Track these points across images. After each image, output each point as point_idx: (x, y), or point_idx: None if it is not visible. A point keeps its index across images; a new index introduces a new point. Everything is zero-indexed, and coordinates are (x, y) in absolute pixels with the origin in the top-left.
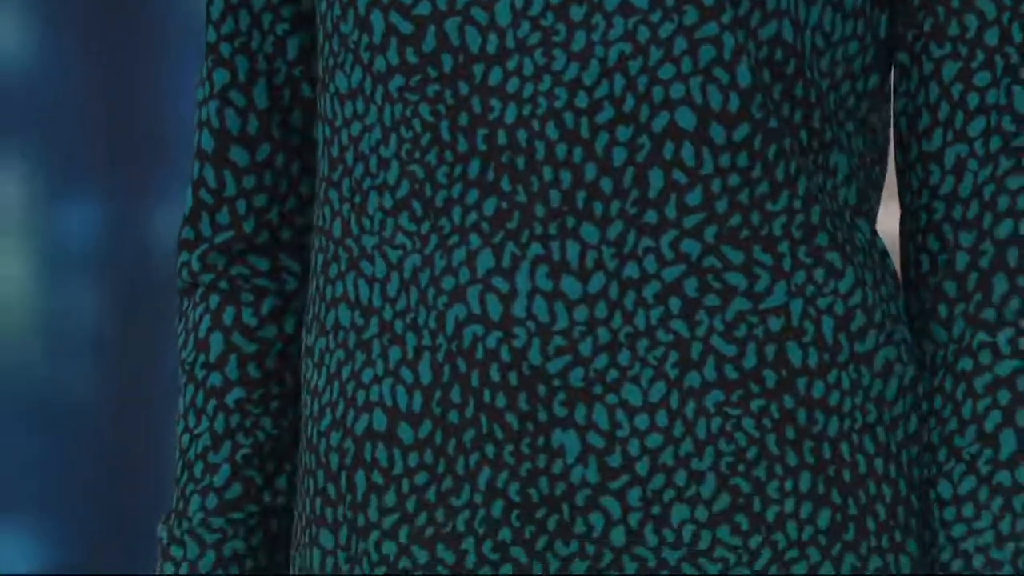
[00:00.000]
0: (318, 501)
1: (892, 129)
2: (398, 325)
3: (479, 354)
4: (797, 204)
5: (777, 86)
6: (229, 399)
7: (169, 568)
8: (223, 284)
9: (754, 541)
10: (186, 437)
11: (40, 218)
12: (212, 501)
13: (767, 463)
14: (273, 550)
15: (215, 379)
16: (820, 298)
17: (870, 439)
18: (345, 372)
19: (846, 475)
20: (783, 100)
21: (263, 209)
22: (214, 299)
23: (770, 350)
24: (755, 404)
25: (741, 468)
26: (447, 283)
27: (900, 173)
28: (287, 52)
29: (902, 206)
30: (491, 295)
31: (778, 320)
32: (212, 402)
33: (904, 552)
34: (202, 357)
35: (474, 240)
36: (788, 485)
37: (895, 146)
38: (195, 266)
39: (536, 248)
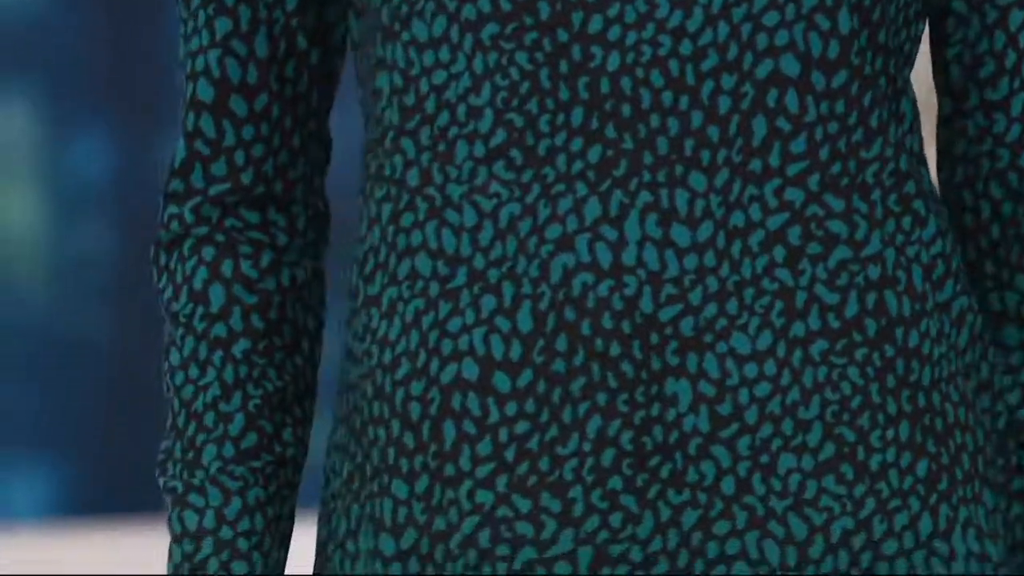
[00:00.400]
0: (391, 451)
1: (935, 76)
2: (492, 274)
3: (590, 302)
4: (888, 152)
5: (865, 32)
6: (236, 350)
7: (191, 516)
8: (219, 236)
9: (858, 490)
10: (189, 388)
11: (50, 159)
12: (229, 450)
13: (870, 412)
14: (283, 502)
15: (219, 330)
16: (908, 247)
17: (954, 388)
18: (425, 321)
19: (939, 424)
20: (870, 47)
21: (260, 160)
22: (209, 251)
23: (870, 298)
24: (859, 353)
25: (846, 417)
26: (552, 232)
27: (947, 121)
28: (286, 3)
29: (947, 155)
30: (600, 243)
31: (876, 268)
32: (218, 353)
33: (980, 503)
34: (201, 309)
35: (580, 188)
36: (889, 434)
37: (940, 94)
38: (188, 218)
39: (645, 196)
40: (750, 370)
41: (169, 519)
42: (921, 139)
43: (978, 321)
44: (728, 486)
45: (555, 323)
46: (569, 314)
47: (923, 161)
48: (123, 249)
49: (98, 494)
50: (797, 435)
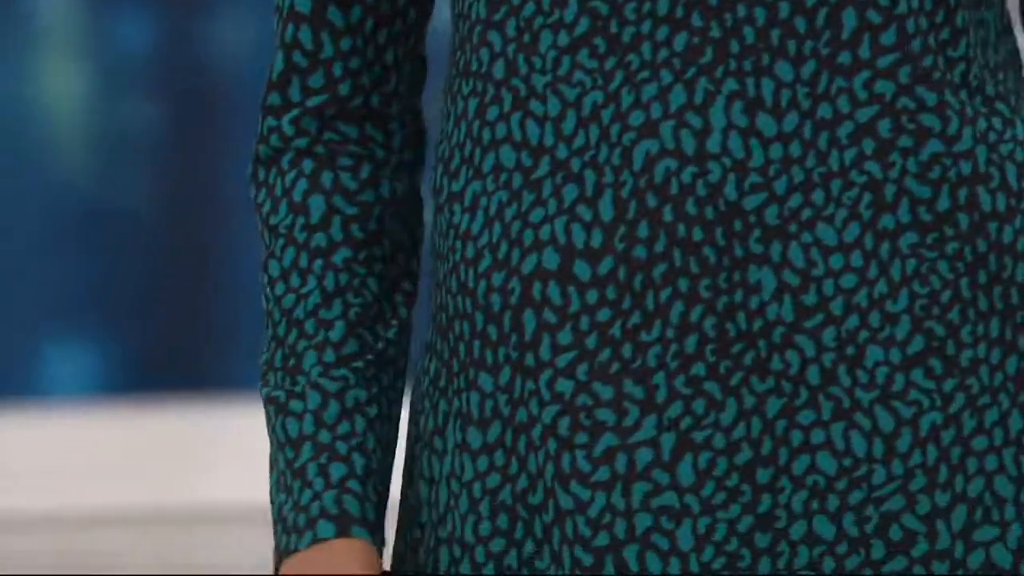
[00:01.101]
0: (476, 344)
1: None
2: (574, 163)
3: (673, 188)
4: (972, 52)
5: None
6: (336, 258)
7: (292, 423)
8: (319, 149)
9: (948, 385)
10: (289, 297)
11: (95, 32)
12: (330, 356)
13: (960, 307)
14: (391, 402)
15: (320, 240)
16: (1001, 145)
17: None
18: (508, 213)
19: None
20: None
21: (357, 72)
22: (308, 164)
23: (963, 193)
24: (950, 247)
25: (935, 311)
26: (635, 119)
27: None
28: None
29: None
30: (685, 130)
31: (968, 164)
32: (318, 261)
33: None
34: (301, 219)
35: (665, 76)
36: (980, 330)
37: None
38: (288, 130)
39: (731, 84)
40: (836, 261)
41: (272, 429)
42: (1010, 50)
43: None
44: (813, 376)
45: (637, 210)
46: (651, 200)
47: (1012, 67)
48: (169, 122)
49: (141, 370)
50: (884, 328)
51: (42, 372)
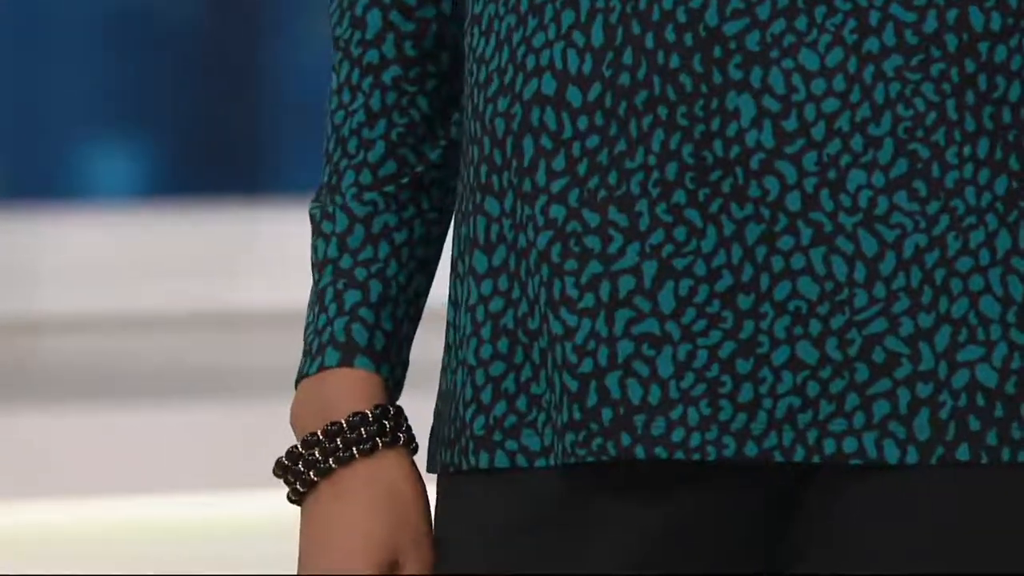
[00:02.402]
0: (484, 168)
1: None
2: None
3: (655, 15)
4: None
5: None
6: (386, 76)
7: (320, 245)
8: None
9: (932, 207)
10: (340, 113)
11: None
12: (367, 177)
13: (946, 128)
14: (428, 224)
15: (372, 56)
16: None
17: None
18: (515, 37)
19: None
20: None
21: None
22: None
23: (952, 14)
24: (935, 68)
25: (920, 134)
26: None
27: None
28: None
29: None
30: None
31: None
32: (368, 79)
33: None
34: (358, 34)
35: None
36: (967, 151)
37: None
38: None
39: None
40: (817, 86)
41: (311, 248)
42: None
43: None
44: (793, 202)
45: (623, 37)
46: (635, 27)
47: None
48: None
49: (189, 174)
50: (867, 151)
51: (87, 173)
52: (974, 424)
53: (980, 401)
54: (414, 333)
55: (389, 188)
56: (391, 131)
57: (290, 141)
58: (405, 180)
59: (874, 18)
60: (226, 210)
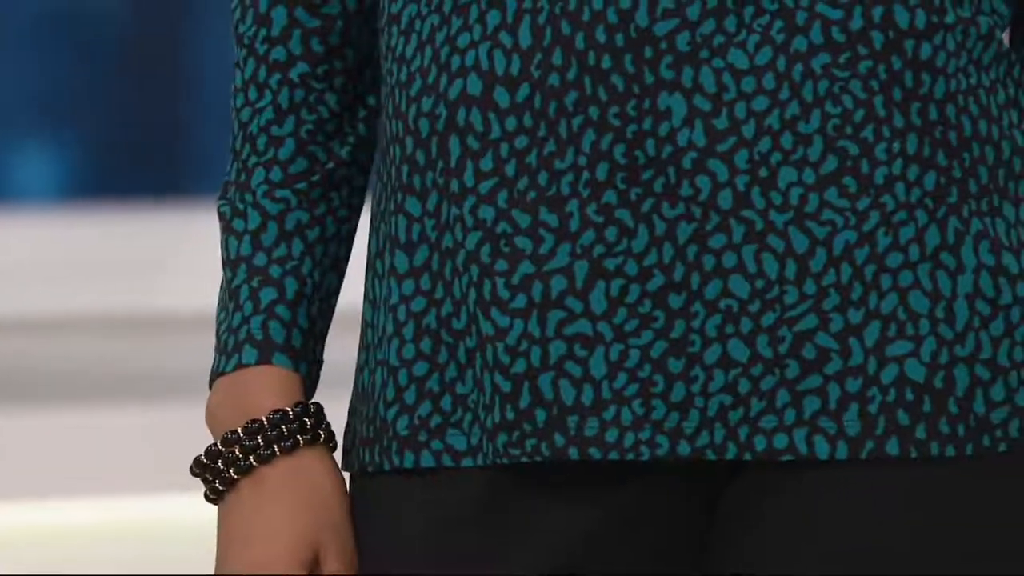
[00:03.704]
0: (405, 168)
1: None
2: None
3: (585, 15)
4: None
5: None
6: (293, 73)
7: (233, 243)
8: None
9: (862, 203)
10: (247, 111)
11: None
12: (277, 174)
13: (874, 125)
14: (340, 221)
15: (278, 53)
16: None
17: (973, 101)
18: (439, 37)
19: (952, 137)
20: None
21: None
22: None
23: (877, 12)
24: (862, 66)
25: (848, 130)
26: None
27: None
28: None
29: None
30: None
31: None
32: (276, 76)
33: (1000, 216)
34: (263, 31)
35: None
36: (895, 147)
37: None
38: None
39: None
40: (747, 84)
41: (220, 244)
42: None
43: (1004, 39)
44: (725, 200)
45: (552, 37)
46: (565, 27)
47: None
48: None
49: (104, 175)
50: (797, 149)
51: (5, 176)
52: (903, 419)
53: (909, 396)
54: (327, 331)
55: (300, 185)
56: (300, 128)
57: (212, 143)
58: (316, 177)
59: (801, 17)
60: (148, 212)
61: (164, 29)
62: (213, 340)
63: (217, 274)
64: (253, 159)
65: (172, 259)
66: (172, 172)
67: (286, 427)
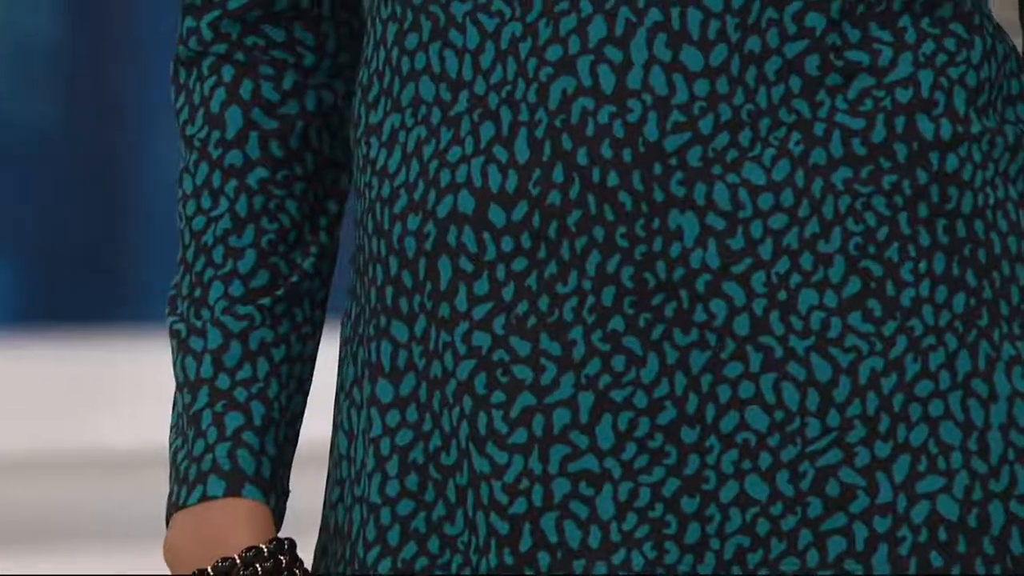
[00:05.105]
0: (389, 290)
1: None
2: (492, 99)
3: (589, 130)
4: None
5: None
6: (252, 179)
7: (191, 364)
8: (239, 55)
9: (888, 328)
10: (200, 220)
11: None
12: (237, 288)
13: (899, 244)
14: (304, 339)
15: (235, 158)
16: (951, 68)
17: (1003, 216)
18: (427, 151)
19: (981, 255)
20: None
21: None
22: (228, 71)
23: (899, 122)
24: (886, 180)
25: (872, 250)
26: (553, 53)
27: None
28: None
29: None
30: (604, 66)
31: (906, 91)
32: (232, 182)
33: None
34: (216, 134)
35: (585, 7)
36: (922, 267)
37: None
38: (206, 34)
39: (654, 15)
40: (764, 201)
41: (174, 365)
42: None
43: None
44: (741, 326)
45: (552, 152)
46: (566, 142)
47: None
48: (71, 34)
49: (49, 301)
50: (818, 270)
51: None
52: (936, 560)
53: (942, 535)
54: (293, 459)
55: (264, 300)
56: (261, 238)
57: (155, 265)
58: (279, 292)
59: (819, 129)
60: (84, 340)
61: (102, 149)
62: (153, 478)
63: (154, 405)
64: (209, 272)
65: (111, 390)
66: (110, 298)
67: (260, 566)
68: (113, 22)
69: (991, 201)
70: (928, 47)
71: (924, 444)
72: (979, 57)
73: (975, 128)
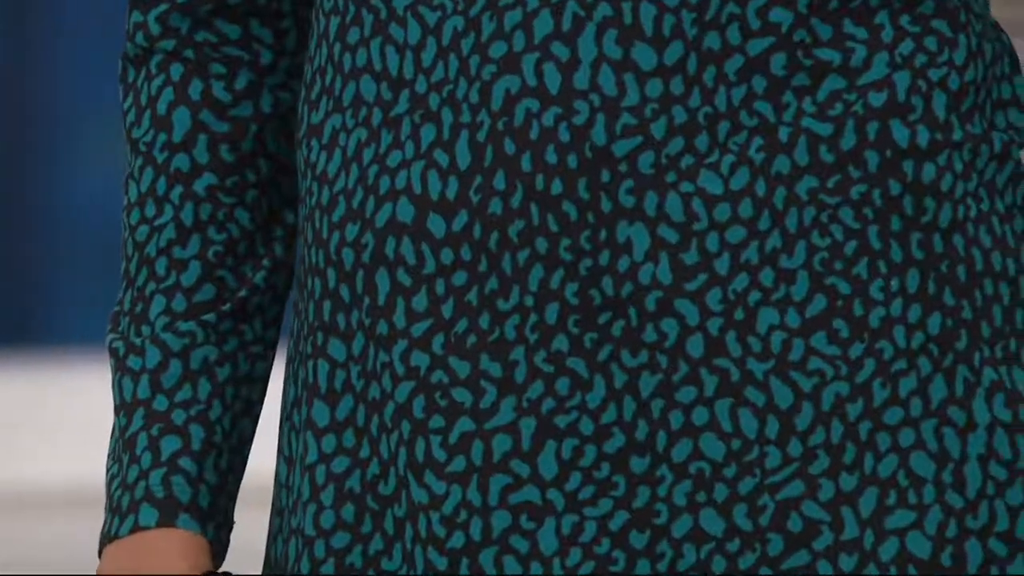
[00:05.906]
0: (327, 305)
1: None
2: (433, 99)
3: (533, 133)
4: None
5: None
6: (198, 186)
7: (128, 384)
8: (188, 52)
9: (855, 350)
10: (143, 229)
11: None
12: (180, 303)
13: (868, 259)
14: (253, 358)
15: (181, 162)
16: (931, 70)
17: (985, 230)
18: (367, 155)
19: (960, 272)
20: None
21: None
22: (176, 69)
23: (872, 128)
24: (855, 191)
25: (838, 266)
26: (496, 50)
27: None
28: None
29: None
30: (549, 64)
31: (880, 95)
32: (178, 189)
33: (1018, 364)
34: (163, 137)
35: (531, 0)
36: (894, 284)
37: None
38: (153, 29)
39: (604, 9)
40: (721, 212)
41: (111, 386)
42: None
43: None
44: (695, 347)
45: (493, 157)
46: (508, 146)
47: None
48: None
49: None
50: (779, 287)
51: None
52: None
53: (912, 574)
54: (239, 488)
55: (208, 316)
56: (207, 250)
57: (78, 286)
58: (226, 307)
59: (784, 134)
60: (19, 366)
61: (18, 162)
62: (79, 518)
63: (87, 436)
64: (151, 286)
65: (30, 421)
66: (28, 322)
67: None
68: (24, 20)
69: (972, 214)
70: (906, 47)
71: (893, 476)
72: (963, 58)
73: (956, 135)
